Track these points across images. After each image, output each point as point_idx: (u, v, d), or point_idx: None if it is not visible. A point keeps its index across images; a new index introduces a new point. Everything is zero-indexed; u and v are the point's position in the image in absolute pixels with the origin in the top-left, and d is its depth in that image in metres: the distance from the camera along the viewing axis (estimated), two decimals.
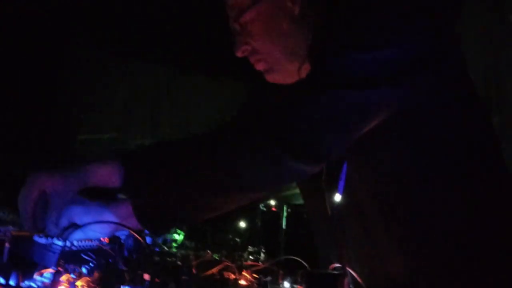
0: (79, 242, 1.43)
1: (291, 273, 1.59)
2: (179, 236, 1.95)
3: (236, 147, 1.19)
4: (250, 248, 1.90)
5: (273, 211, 3.59)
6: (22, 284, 1.03)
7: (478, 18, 2.99)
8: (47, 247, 1.40)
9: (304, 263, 1.51)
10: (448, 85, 1.24)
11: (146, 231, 1.72)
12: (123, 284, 1.22)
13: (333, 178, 1.11)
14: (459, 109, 1.27)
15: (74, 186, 1.27)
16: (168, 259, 1.61)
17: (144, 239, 1.62)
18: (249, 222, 3.00)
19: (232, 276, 1.52)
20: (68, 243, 1.33)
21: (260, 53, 1.39)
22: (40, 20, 3.20)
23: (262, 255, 1.86)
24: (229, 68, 4.23)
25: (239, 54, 1.39)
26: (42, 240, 1.40)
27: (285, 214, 3.49)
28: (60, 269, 1.08)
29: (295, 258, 1.62)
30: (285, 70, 1.38)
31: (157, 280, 1.27)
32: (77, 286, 1.15)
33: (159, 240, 1.85)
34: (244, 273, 1.56)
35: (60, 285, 1.11)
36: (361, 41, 1.14)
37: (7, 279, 1.01)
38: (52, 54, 3.36)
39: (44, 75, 3.26)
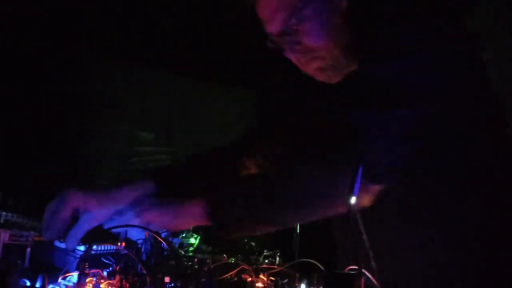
0: (98, 246, 1.46)
1: (307, 275, 1.61)
2: (195, 240, 1.97)
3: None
4: (265, 252, 1.91)
5: None
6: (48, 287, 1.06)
7: None
8: (68, 252, 1.44)
9: (320, 266, 1.53)
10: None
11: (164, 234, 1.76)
12: (145, 286, 1.25)
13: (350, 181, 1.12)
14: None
15: (106, 211, 1.31)
16: (186, 262, 1.63)
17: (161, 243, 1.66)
18: None
19: (249, 279, 1.55)
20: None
21: (316, 51, 1.36)
22: (46, 24, 3.23)
23: (278, 258, 1.88)
24: (241, 74, 4.28)
25: (291, 54, 1.37)
26: (63, 245, 1.44)
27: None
28: (85, 272, 1.11)
29: (310, 260, 1.65)
30: (341, 66, 1.37)
31: (177, 284, 1.30)
32: None
33: (176, 244, 1.87)
34: (261, 276, 1.58)
35: None
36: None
37: (33, 282, 1.04)
38: (61, 61, 3.39)
39: (51, 82, 3.29)
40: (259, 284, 1.53)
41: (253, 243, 2.12)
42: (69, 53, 3.41)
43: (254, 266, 1.68)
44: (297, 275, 1.61)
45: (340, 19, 1.32)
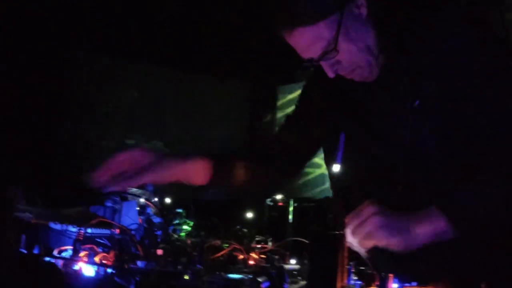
0: (93, 229, 1.50)
1: (297, 254, 1.64)
2: (188, 226, 2.00)
3: None
4: (257, 237, 1.93)
5: (280, 205, 3.63)
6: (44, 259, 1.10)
7: None
8: (63, 233, 1.48)
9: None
10: None
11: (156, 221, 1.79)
12: (138, 259, 1.29)
13: (332, 150, 1.17)
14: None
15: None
16: (178, 243, 1.66)
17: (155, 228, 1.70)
18: (256, 215, 3.04)
19: (241, 256, 1.58)
20: (82, 229, 1.40)
21: (347, 62, 1.44)
22: (46, 23, 3.26)
23: (270, 243, 1.90)
24: (234, 69, 4.32)
25: (332, 74, 1.45)
26: (57, 227, 1.47)
27: (291, 208, 3.52)
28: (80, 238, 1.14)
29: (301, 239, 1.69)
30: (370, 65, 1.45)
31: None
32: (96, 261, 1.22)
33: (170, 229, 1.90)
34: (252, 254, 1.61)
35: (79, 259, 1.18)
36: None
37: (30, 249, 1.08)
38: (58, 58, 3.42)
39: (49, 78, 3.31)
40: (251, 262, 1.56)
41: (245, 230, 2.14)
42: (63, 46, 3.44)
43: (246, 246, 1.70)
44: (288, 253, 1.65)
45: (365, 27, 1.38)
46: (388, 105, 1.39)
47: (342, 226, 1.03)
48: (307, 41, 1.37)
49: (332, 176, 1.08)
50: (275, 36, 1.48)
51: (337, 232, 0.99)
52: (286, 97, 4.42)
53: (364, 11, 1.37)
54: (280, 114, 4.43)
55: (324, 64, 1.39)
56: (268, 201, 3.65)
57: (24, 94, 3.15)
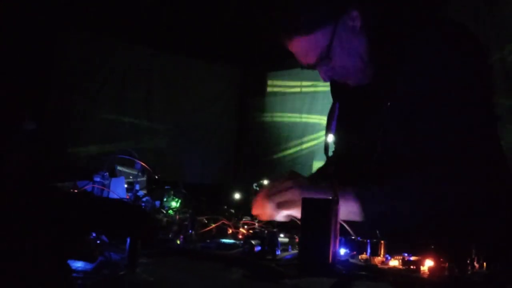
0: None
1: (286, 230, 1.65)
2: (176, 204, 2.00)
3: None
4: (244, 218, 1.94)
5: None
6: None
7: None
8: None
9: (298, 222, 1.58)
10: None
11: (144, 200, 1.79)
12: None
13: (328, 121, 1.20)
14: None
15: None
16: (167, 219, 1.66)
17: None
18: (244, 199, 3.05)
19: (230, 231, 1.59)
20: None
21: (340, 67, 1.54)
22: (35, 3, 3.23)
23: (257, 224, 1.91)
24: (225, 54, 4.31)
25: (327, 79, 1.53)
26: None
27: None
28: None
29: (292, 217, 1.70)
30: (362, 72, 1.56)
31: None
32: None
33: (157, 204, 1.90)
34: (241, 229, 1.62)
35: None
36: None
37: None
38: (46, 37, 3.39)
39: (38, 55, 3.29)
40: (240, 236, 1.57)
41: (232, 210, 2.15)
42: (53, 30, 3.42)
43: (235, 222, 1.71)
44: (276, 229, 1.66)
45: (358, 37, 1.52)
46: (371, 103, 1.52)
47: (335, 192, 1.04)
48: (304, 48, 1.53)
49: (326, 144, 1.10)
50: (267, 23, 1.58)
51: (329, 198, 1.00)
52: (275, 83, 4.44)
53: (358, 23, 1.52)
54: (268, 101, 4.44)
55: (319, 69, 1.54)
56: (254, 185, 3.66)
57: (12, 73, 3.12)
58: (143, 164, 1.30)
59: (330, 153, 1.56)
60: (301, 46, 1.55)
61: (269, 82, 4.44)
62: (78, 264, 0.74)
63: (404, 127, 1.45)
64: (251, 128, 4.47)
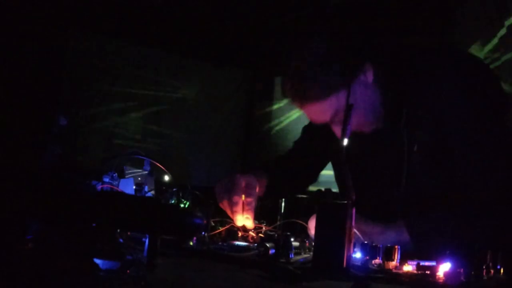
0: None
1: (294, 235, 1.65)
2: (184, 206, 2.01)
3: None
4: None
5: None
6: None
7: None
8: None
9: (305, 224, 1.59)
10: None
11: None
12: None
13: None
14: None
15: None
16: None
17: None
18: None
19: (240, 234, 1.59)
20: None
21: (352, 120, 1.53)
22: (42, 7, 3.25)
23: (264, 228, 1.92)
24: (233, 57, 4.32)
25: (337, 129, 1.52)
26: None
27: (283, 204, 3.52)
28: None
29: (297, 220, 1.70)
30: (375, 121, 1.55)
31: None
32: None
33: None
34: (250, 232, 1.62)
35: None
36: None
37: None
38: (52, 39, 3.40)
39: (44, 58, 3.30)
40: (250, 239, 1.57)
41: None
42: (60, 29, 3.42)
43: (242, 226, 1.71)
44: (289, 233, 1.66)
45: (371, 88, 1.49)
46: (387, 148, 1.53)
47: (350, 196, 1.04)
48: (316, 111, 1.50)
49: (342, 147, 1.10)
50: (276, 28, 1.56)
51: (345, 202, 1.00)
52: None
53: (370, 77, 1.49)
54: (276, 106, 4.44)
55: (332, 125, 1.50)
56: None
57: (17, 75, 3.13)
58: (158, 164, 1.31)
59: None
60: (313, 110, 1.51)
61: (278, 87, 4.45)
62: (105, 263, 0.74)
63: (434, 167, 1.46)
64: (259, 132, 4.47)
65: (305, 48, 1.46)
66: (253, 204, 1.59)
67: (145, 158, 1.28)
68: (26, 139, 2.61)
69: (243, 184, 1.61)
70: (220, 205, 1.64)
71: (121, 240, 0.89)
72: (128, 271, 0.72)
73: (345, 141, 1.12)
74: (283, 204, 1.94)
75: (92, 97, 3.72)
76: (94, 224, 0.79)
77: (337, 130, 1.48)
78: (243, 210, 1.57)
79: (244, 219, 1.57)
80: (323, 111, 1.46)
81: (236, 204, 1.57)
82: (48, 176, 0.92)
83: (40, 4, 3.26)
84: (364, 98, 1.48)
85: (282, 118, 4.41)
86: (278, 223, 1.81)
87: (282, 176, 1.88)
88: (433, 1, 3.14)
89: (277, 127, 4.42)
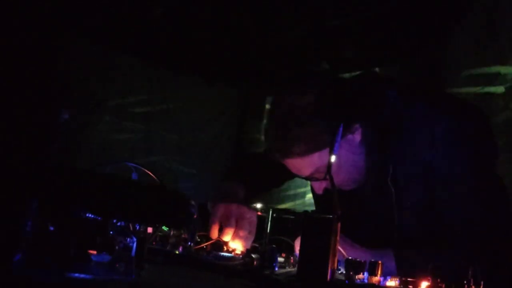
0: None
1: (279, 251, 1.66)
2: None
3: None
4: None
5: (259, 215, 3.63)
6: None
7: None
8: None
9: (290, 242, 1.59)
10: None
11: None
12: None
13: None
14: None
15: None
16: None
17: None
18: None
19: (225, 248, 1.59)
20: None
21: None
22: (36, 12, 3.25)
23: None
24: (225, 74, 4.34)
25: (320, 192, 1.53)
26: None
27: (270, 218, 3.51)
28: None
29: (281, 237, 1.71)
30: (357, 181, 1.54)
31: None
32: None
33: None
34: (235, 248, 1.63)
35: None
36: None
37: None
38: (48, 49, 3.40)
39: (37, 65, 3.29)
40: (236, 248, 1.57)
41: None
42: (56, 40, 3.43)
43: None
44: (274, 246, 1.67)
45: (357, 148, 1.48)
46: (374, 200, 1.52)
47: (336, 211, 1.05)
48: (298, 165, 1.47)
49: (330, 164, 1.12)
50: (269, 46, 1.55)
51: (330, 216, 1.02)
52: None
53: (358, 137, 1.46)
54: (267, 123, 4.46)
55: (312, 183, 1.54)
56: None
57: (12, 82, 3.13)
58: (149, 172, 1.31)
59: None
60: (293, 163, 1.48)
61: (268, 106, 4.46)
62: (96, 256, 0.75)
63: (422, 214, 1.46)
64: (248, 150, 4.47)
65: (295, 101, 1.41)
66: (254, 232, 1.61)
67: (136, 166, 1.29)
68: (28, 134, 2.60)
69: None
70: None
71: (111, 233, 0.88)
72: (117, 264, 0.73)
73: (333, 158, 1.14)
74: (269, 218, 1.96)
75: (81, 109, 3.71)
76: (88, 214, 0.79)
77: (317, 185, 1.47)
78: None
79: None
80: (304, 167, 1.45)
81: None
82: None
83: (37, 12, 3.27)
84: (349, 157, 1.45)
85: None
86: (265, 237, 1.82)
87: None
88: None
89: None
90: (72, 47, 3.57)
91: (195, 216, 1.07)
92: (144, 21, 3.47)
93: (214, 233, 1.54)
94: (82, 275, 0.69)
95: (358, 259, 1.09)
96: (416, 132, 1.46)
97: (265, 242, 1.65)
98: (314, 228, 1.02)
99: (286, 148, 1.42)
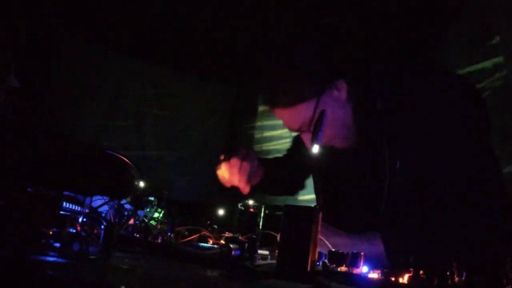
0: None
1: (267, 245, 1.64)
2: (159, 214, 1.99)
3: None
4: (227, 233, 1.93)
5: (251, 211, 3.62)
6: None
7: None
8: None
9: (275, 235, 1.57)
10: None
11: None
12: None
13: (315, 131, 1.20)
14: None
15: None
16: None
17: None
18: (227, 217, 3.03)
19: (211, 241, 1.58)
20: None
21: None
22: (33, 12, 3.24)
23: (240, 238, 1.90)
24: (217, 70, 4.33)
25: (309, 145, 1.56)
26: None
27: (262, 215, 3.50)
28: None
29: (270, 232, 1.69)
30: (346, 138, 1.54)
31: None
32: None
33: (140, 214, 1.89)
34: (222, 241, 1.61)
35: None
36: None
37: None
38: (42, 45, 3.39)
39: (34, 64, 3.28)
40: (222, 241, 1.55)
41: (215, 226, 2.14)
42: (50, 37, 3.42)
43: (216, 234, 1.70)
44: (255, 236, 1.65)
45: (343, 106, 1.50)
46: (368, 165, 1.52)
47: (318, 201, 1.03)
48: (285, 117, 1.53)
49: (313, 155, 1.10)
50: (263, 45, 1.59)
51: (312, 206, 0.99)
52: (267, 107, 4.43)
53: (343, 94, 1.49)
54: (259, 123, 4.43)
55: (302, 136, 1.54)
56: (239, 205, 3.63)
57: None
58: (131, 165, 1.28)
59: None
60: (282, 114, 1.54)
61: (261, 104, 4.45)
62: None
63: (413, 185, 1.45)
64: (241, 148, 4.45)
65: (283, 53, 1.48)
66: (248, 170, 1.76)
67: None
68: None
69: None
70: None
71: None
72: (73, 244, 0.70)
73: (316, 148, 1.11)
74: (261, 215, 1.94)
75: (73, 106, 3.69)
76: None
77: (308, 140, 1.48)
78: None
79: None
80: (292, 119, 1.48)
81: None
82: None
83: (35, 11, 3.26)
84: (337, 113, 1.48)
85: (264, 135, 4.41)
86: (255, 231, 1.80)
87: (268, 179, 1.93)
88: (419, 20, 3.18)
89: (260, 144, 4.41)
90: (64, 45, 3.56)
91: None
92: (138, 18, 3.46)
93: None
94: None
95: (340, 251, 1.07)
96: (412, 100, 1.46)
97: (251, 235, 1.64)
98: (295, 218, 1.00)
99: (271, 98, 1.53)
